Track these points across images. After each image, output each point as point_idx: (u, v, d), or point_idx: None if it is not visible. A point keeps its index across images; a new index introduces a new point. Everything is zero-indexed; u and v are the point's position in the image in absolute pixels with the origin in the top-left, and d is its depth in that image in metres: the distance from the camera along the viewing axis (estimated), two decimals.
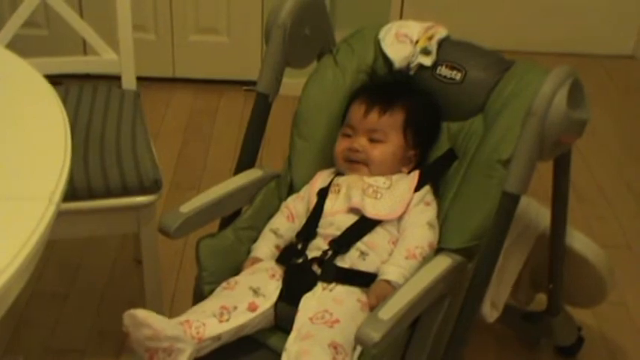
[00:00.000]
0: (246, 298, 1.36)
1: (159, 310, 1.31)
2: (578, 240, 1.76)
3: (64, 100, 1.87)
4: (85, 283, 2.16)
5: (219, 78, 3.13)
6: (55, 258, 2.21)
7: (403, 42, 1.63)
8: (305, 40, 1.60)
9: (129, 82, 1.97)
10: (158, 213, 1.65)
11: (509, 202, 1.34)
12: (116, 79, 2.00)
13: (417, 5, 3.55)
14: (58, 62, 1.98)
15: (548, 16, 3.59)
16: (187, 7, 3.04)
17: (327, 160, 1.62)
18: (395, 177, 1.53)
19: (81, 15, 2.73)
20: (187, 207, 1.45)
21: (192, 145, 2.81)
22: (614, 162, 2.83)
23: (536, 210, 1.76)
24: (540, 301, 1.90)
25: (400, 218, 1.47)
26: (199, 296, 1.45)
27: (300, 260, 1.44)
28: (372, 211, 1.46)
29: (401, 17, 3.53)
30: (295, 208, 1.56)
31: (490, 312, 1.69)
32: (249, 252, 1.52)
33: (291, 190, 1.61)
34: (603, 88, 3.39)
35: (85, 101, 1.88)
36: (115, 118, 1.82)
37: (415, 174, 1.54)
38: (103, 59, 1.97)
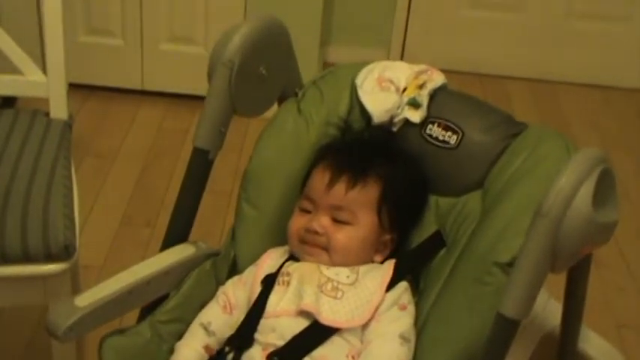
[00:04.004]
0: None
1: None
2: (592, 344, 1.43)
3: None
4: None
5: (193, 93, 2.76)
6: None
7: (386, 89, 1.29)
8: (260, 81, 1.26)
9: (58, 110, 1.62)
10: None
11: (504, 328, 1.00)
12: None
13: (424, 18, 3.22)
14: None
15: (573, 43, 3.23)
16: (160, 12, 2.69)
17: (282, 236, 1.27)
18: (362, 269, 1.18)
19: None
20: (86, 299, 1.10)
21: (155, 170, 2.46)
22: (638, 220, 2.46)
23: (543, 302, 1.43)
24: None
25: (365, 325, 1.13)
26: None
27: None
28: (328, 316, 1.12)
29: (406, 31, 3.21)
30: (235, 296, 1.22)
31: None
32: (172, 352, 1.18)
33: (234, 271, 1.27)
34: (629, 127, 3.01)
35: None
36: (32, 158, 1.47)
37: (389, 265, 1.19)
38: (28, 80, 1.63)
